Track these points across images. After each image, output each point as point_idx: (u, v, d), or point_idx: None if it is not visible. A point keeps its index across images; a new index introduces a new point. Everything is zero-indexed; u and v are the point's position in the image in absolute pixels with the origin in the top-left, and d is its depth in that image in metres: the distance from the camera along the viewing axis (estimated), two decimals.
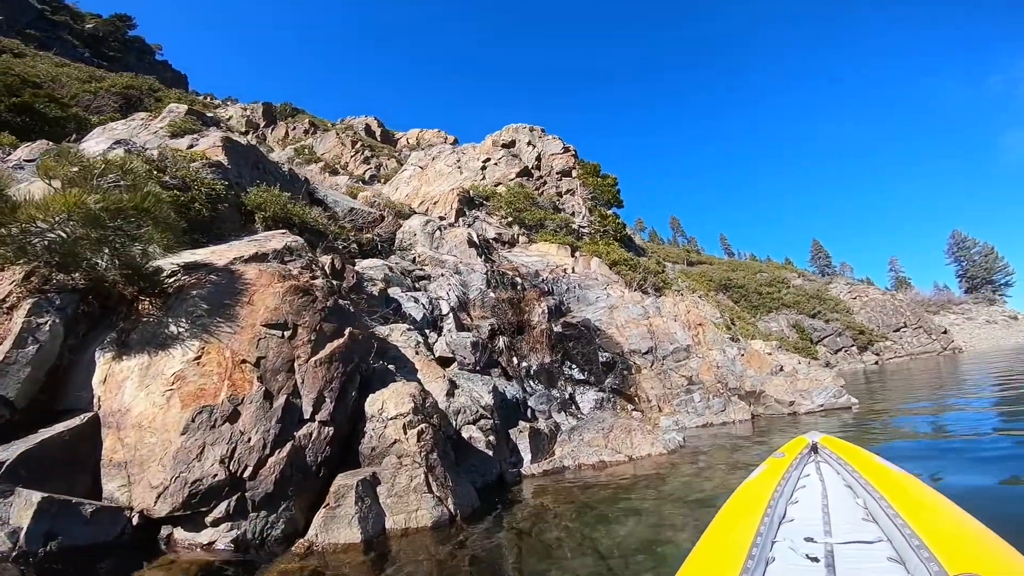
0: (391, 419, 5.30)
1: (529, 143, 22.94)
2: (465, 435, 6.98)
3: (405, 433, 5.18)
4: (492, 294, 13.09)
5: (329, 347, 5.59)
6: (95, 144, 8.84)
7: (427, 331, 10.84)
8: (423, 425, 5.31)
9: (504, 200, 19.27)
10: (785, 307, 40.10)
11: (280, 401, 4.83)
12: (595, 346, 12.23)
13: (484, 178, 21.80)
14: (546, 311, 12.73)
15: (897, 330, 41.66)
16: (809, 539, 2.15)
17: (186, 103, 16.22)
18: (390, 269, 12.74)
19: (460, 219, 18.40)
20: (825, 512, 2.47)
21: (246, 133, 38.17)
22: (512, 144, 23.30)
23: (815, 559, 1.97)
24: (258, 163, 11.69)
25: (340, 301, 6.83)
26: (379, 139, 40.18)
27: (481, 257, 14.26)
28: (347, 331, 6.01)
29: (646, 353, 12.13)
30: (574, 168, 20.52)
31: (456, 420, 7.12)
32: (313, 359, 5.36)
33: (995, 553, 1.66)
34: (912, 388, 15.78)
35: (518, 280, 14.00)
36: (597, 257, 16.31)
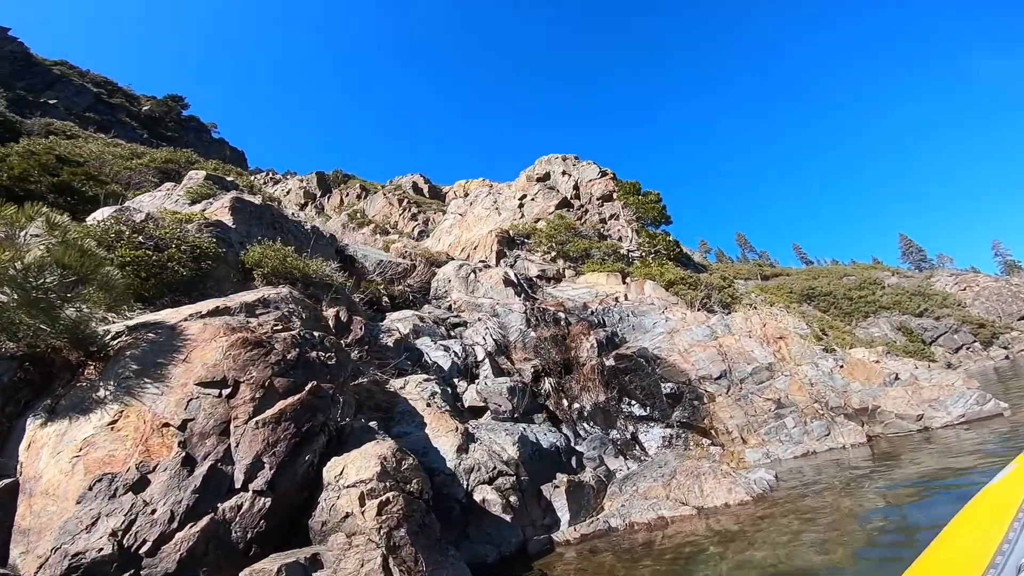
0: (347, 487, 3.97)
1: (564, 173, 21.74)
2: (477, 497, 5.51)
3: (361, 505, 3.87)
4: (533, 333, 11.57)
5: (279, 405, 4.51)
6: (100, 213, 8.41)
7: (457, 380, 9.48)
8: (389, 494, 3.94)
9: (544, 235, 17.96)
10: (884, 309, 35.39)
11: (203, 468, 4.00)
12: (656, 377, 10.32)
13: (523, 216, 20.68)
14: (595, 345, 11.02)
15: (1022, 318, 35.59)
16: None
17: (246, 182, 15.98)
18: (420, 319, 11.59)
19: (501, 261, 17.21)
20: None
21: (305, 205, 39.68)
22: (547, 177, 22.18)
23: None
24: (275, 222, 11.06)
25: (324, 354, 5.64)
26: (427, 195, 40.57)
27: (520, 296, 12.85)
28: (308, 386, 4.76)
29: (719, 378, 10.05)
30: (615, 191, 18.95)
31: (468, 480, 5.65)
32: (255, 419, 4.33)
33: None
34: None
35: (561, 315, 12.41)
36: (651, 280, 14.47)
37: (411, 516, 3.92)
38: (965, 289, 37.88)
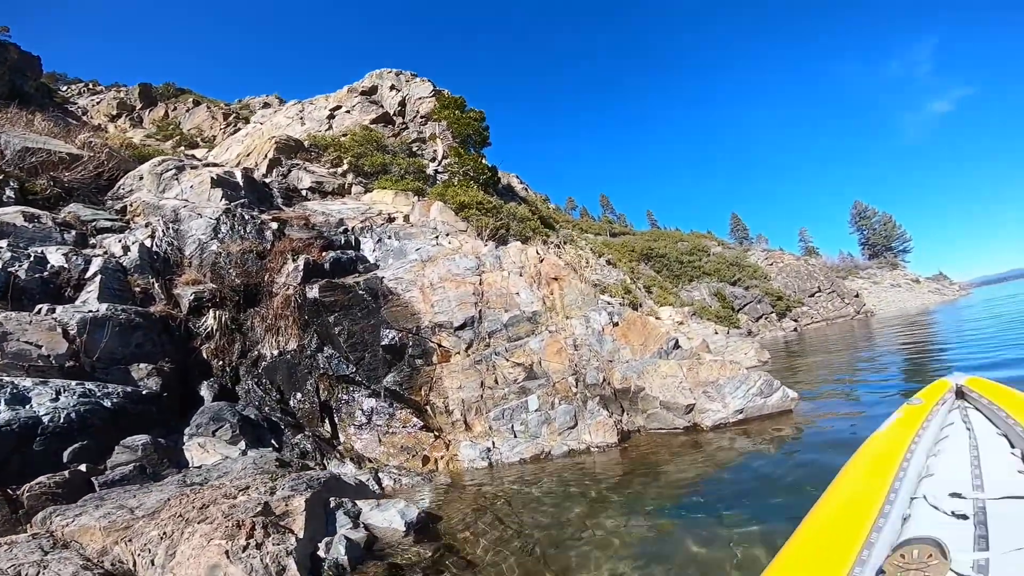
0: None
1: (393, 87, 16.99)
2: None
3: None
4: (214, 247, 7.14)
5: None
6: None
7: (15, 303, 4.99)
8: None
9: (343, 147, 13.33)
10: (706, 275, 35.54)
11: None
12: (377, 320, 6.51)
13: (331, 128, 15.72)
14: (300, 270, 6.91)
15: (812, 295, 37.76)
16: (955, 495, 1.70)
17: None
18: (33, 219, 6.69)
19: (274, 170, 12.33)
20: (975, 465, 1.92)
21: (118, 116, 30.67)
22: (374, 91, 17.28)
23: (963, 516, 1.56)
24: None
25: None
26: None
27: (232, 202, 8.25)
28: None
29: (462, 328, 6.50)
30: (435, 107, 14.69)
31: None
32: None
33: None
34: (847, 364, 10.80)
35: (297, 233, 8.12)
36: (440, 201, 10.57)
37: None
38: (772, 264, 39.43)
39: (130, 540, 2.43)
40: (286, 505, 2.67)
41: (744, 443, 4.47)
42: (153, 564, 2.32)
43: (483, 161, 13.47)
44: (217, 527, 2.33)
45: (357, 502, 3.15)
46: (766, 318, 31.97)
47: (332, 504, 2.97)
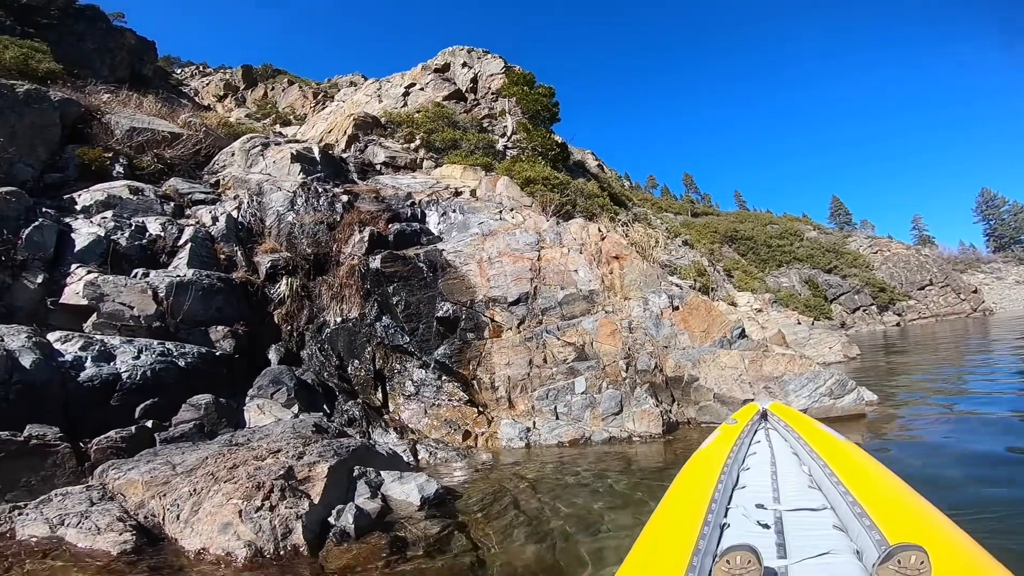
0: None
1: (465, 65, 16.94)
2: None
3: None
4: (290, 218, 7.57)
5: None
6: None
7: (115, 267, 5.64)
8: None
9: (416, 123, 13.58)
10: (798, 261, 32.78)
11: None
12: (434, 292, 6.62)
13: (406, 105, 16.05)
14: (365, 240, 7.15)
15: (922, 288, 33.61)
16: (760, 506, 1.92)
17: None
18: (134, 191, 7.42)
19: (352, 146, 12.85)
20: (774, 479, 2.20)
21: (224, 96, 33.44)
22: (446, 68, 17.34)
23: (766, 525, 1.75)
24: None
25: None
26: None
27: (309, 176, 8.67)
28: None
29: (515, 303, 6.45)
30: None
31: None
32: None
33: (934, 524, 1.52)
34: (950, 368, 9.49)
35: (366, 207, 8.41)
36: (508, 177, 10.48)
37: None
38: (877, 252, 35.59)
39: (164, 495, 2.65)
40: (309, 471, 2.78)
41: None
42: (178, 519, 2.51)
43: (552, 137, 13.13)
44: (239, 487, 2.47)
45: (382, 473, 3.22)
46: (864, 310, 29.04)
47: (356, 473, 3.06)
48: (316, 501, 2.58)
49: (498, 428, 5.15)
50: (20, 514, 2.67)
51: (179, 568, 2.37)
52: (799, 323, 12.17)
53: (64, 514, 2.55)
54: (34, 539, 2.52)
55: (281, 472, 2.65)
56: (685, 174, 68.53)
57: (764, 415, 3.24)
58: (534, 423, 5.16)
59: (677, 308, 6.16)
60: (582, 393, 5.33)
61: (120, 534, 2.46)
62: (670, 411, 5.20)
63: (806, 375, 4.75)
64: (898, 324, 28.71)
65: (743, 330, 5.81)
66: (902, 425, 4.44)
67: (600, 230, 7.40)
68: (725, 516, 1.82)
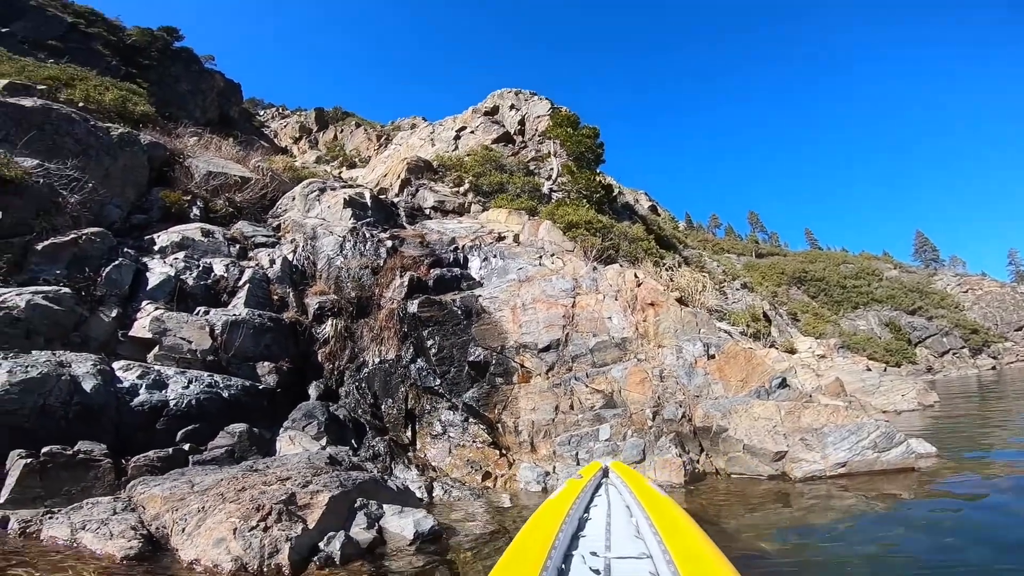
0: None
1: (513, 107, 17.66)
2: None
3: None
4: (339, 262, 8.10)
5: None
6: None
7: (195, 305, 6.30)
8: None
9: (465, 167, 14.23)
10: (876, 302, 30.48)
11: None
12: (468, 337, 6.81)
13: (457, 148, 16.86)
14: (405, 285, 7.51)
15: (1020, 328, 30.16)
16: (594, 553, 2.13)
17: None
18: (206, 233, 8.24)
19: (405, 190, 13.62)
20: (608, 529, 2.46)
21: (299, 138, 36.48)
22: (495, 111, 18.16)
23: (597, 572, 1.96)
24: (46, 124, 7.45)
25: None
26: None
27: (359, 221, 9.29)
28: None
29: (546, 350, 6.50)
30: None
31: None
32: None
33: (724, 571, 1.70)
34: None
35: (411, 252, 8.86)
36: (550, 221, 10.69)
37: None
38: (967, 291, 32.49)
39: (177, 509, 2.91)
40: (311, 498, 2.96)
41: (843, 498, 3.79)
42: (183, 532, 2.75)
43: (597, 179, 13.27)
44: (241, 507, 2.68)
45: (384, 506, 3.35)
46: (954, 353, 26.40)
47: (357, 504, 3.21)
48: (311, 526, 2.75)
49: (517, 471, 5.15)
50: (51, 518, 3.02)
51: (171, 575, 2.60)
52: (868, 369, 11.28)
53: (87, 520, 2.86)
54: (54, 540, 2.84)
55: (283, 497, 2.85)
56: (750, 212, 66.07)
57: (606, 472, 3.58)
58: (554, 467, 5.12)
59: (713, 356, 5.95)
60: (605, 440, 5.23)
61: (129, 541, 2.74)
62: (696, 461, 4.99)
63: (848, 427, 4.42)
64: (993, 368, 25.79)
65: (784, 380, 5.50)
66: (950, 483, 4.01)
67: (636, 276, 7.36)
68: (564, 562, 2.00)
